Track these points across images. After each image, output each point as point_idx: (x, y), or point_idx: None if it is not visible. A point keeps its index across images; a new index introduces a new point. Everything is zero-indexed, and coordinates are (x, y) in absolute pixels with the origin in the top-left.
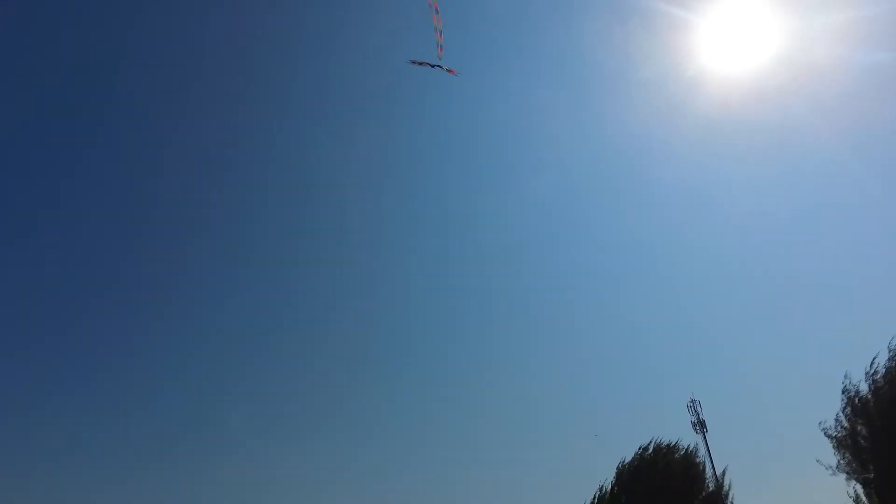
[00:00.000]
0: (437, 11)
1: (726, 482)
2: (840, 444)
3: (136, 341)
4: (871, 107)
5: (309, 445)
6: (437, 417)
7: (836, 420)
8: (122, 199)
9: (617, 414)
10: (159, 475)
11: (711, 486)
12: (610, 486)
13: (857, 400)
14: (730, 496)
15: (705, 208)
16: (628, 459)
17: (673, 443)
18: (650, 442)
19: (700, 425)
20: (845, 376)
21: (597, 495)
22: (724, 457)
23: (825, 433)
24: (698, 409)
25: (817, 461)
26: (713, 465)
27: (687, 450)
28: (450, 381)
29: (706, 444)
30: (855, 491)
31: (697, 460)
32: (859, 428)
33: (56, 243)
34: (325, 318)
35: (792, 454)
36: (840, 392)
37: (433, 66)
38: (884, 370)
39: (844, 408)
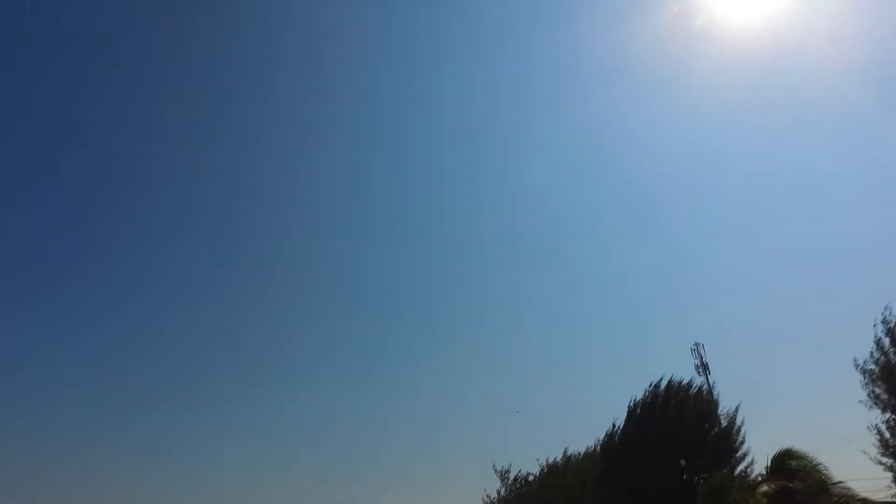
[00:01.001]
0: None
1: (738, 419)
2: (872, 377)
3: (136, 340)
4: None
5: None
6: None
7: (871, 353)
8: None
9: (625, 358)
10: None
11: (724, 423)
12: (622, 424)
13: None
14: (741, 433)
15: (714, 158)
16: (639, 397)
17: (686, 381)
18: (660, 379)
19: (703, 368)
20: (885, 307)
21: (609, 432)
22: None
23: (857, 368)
24: (702, 352)
25: (860, 402)
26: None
27: (700, 387)
28: (454, 339)
29: (709, 386)
30: (877, 426)
31: (712, 397)
32: (895, 360)
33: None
34: (321, 315)
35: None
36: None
37: None
38: None
39: (881, 338)
